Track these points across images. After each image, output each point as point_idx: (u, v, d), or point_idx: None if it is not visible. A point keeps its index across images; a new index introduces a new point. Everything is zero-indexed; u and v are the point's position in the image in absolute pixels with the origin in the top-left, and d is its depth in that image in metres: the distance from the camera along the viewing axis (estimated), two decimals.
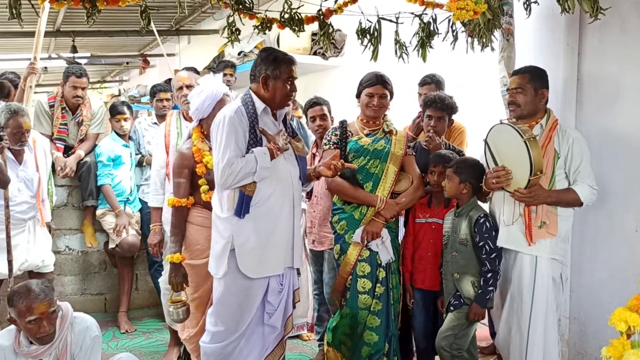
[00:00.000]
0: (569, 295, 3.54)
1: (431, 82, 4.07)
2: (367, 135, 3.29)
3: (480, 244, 2.99)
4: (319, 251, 3.79)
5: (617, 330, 1.72)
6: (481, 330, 3.63)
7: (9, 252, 3.60)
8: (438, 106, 3.51)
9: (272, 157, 2.77)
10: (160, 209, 3.67)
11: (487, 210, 3.15)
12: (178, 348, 3.82)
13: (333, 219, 3.32)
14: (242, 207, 2.74)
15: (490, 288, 2.98)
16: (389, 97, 3.26)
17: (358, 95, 3.33)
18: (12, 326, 2.66)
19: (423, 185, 3.29)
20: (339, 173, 2.96)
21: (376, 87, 3.22)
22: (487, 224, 3.00)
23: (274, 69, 2.81)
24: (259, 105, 2.83)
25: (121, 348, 4.11)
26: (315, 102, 3.82)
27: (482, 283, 2.98)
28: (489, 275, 2.97)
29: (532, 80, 2.96)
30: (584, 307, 3.49)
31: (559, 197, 2.90)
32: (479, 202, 3.17)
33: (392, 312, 3.21)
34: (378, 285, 3.18)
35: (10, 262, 3.62)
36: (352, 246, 3.20)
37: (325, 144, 3.33)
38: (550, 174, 2.92)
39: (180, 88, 3.73)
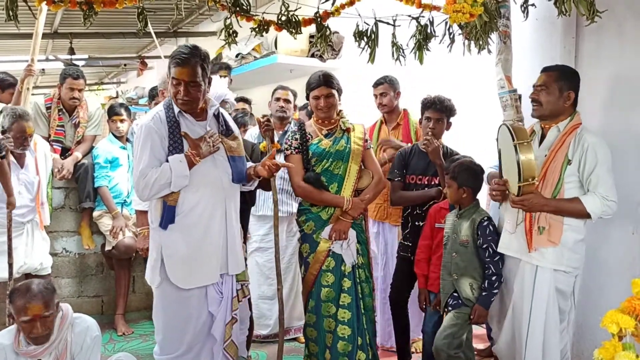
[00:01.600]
0: None
1: (384, 82, 4.13)
2: (325, 136, 3.31)
3: (484, 246, 2.99)
4: None
5: (609, 332, 1.72)
6: (478, 332, 3.63)
7: (10, 255, 3.59)
8: (437, 107, 3.52)
9: (192, 163, 2.68)
10: (146, 213, 3.61)
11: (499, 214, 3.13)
12: None
13: (300, 218, 3.35)
14: (164, 217, 2.70)
15: (495, 291, 2.98)
16: (336, 95, 3.29)
17: (307, 98, 3.39)
18: (14, 325, 2.67)
19: (383, 178, 3.37)
20: (274, 174, 2.95)
21: (320, 89, 3.25)
22: (491, 227, 3.01)
23: (168, 70, 2.77)
24: (175, 109, 2.76)
25: (118, 350, 4.10)
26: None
27: (486, 285, 2.98)
28: (494, 278, 2.97)
29: (559, 80, 2.83)
30: (582, 309, 3.49)
31: (559, 207, 2.75)
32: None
33: (362, 305, 3.24)
34: (344, 279, 3.21)
35: (10, 266, 3.62)
36: (322, 243, 3.22)
37: (287, 149, 3.32)
38: (556, 181, 2.78)
39: None
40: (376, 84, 4.18)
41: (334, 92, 3.28)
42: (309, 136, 3.31)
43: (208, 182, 2.76)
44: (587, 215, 2.73)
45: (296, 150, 3.28)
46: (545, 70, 2.93)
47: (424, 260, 3.35)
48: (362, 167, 3.33)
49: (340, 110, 3.38)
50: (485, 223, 3.00)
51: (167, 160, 2.68)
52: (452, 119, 3.67)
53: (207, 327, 2.83)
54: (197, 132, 2.78)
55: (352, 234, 3.24)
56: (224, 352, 2.86)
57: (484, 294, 2.98)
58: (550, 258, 2.80)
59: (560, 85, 2.84)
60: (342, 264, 3.22)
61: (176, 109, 2.73)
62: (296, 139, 3.30)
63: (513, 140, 2.64)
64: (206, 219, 2.76)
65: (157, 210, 2.74)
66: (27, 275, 3.94)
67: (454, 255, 3.07)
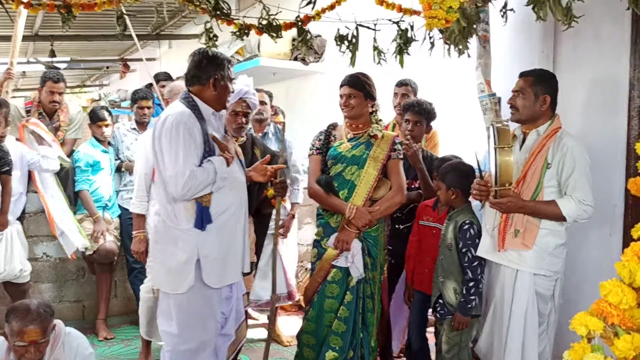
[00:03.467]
0: None
1: (409, 84, 4.12)
2: (349, 139, 3.21)
3: (463, 250, 2.96)
4: None
5: (578, 334, 1.76)
6: None
7: None
8: (415, 110, 3.53)
9: (228, 165, 2.72)
10: (143, 216, 3.58)
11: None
12: (151, 358, 3.82)
13: (316, 222, 3.34)
14: (202, 218, 2.67)
15: (472, 297, 2.94)
16: (361, 98, 3.14)
17: None
18: (2, 340, 2.60)
19: (403, 192, 3.17)
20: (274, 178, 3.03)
21: (343, 88, 3.19)
22: (472, 230, 2.96)
23: (224, 69, 2.77)
24: (206, 109, 2.75)
25: (100, 356, 4.06)
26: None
27: (464, 291, 2.96)
28: (471, 284, 2.94)
29: (535, 84, 2.86)
30: (560, 311, 3.52)
31: (535, 209, 2.75)
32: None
33: (360, 320, 3.14)
34: (347, 292, 3.13)
35: None
36: (329, 250, 3.15)
37: (310, 149, 3.31)
38: (535, 185, 2.80)
39: None
40: (400, 84, 4.12)
41: (358, 93, 3.14)
42: (333, 138, 3.27)
43: (235, 183, 2.81)
44: (562, 218, 2.75)
45: (317, 150, 3.26)
46: (522, 75, 2.96)
47: (412, 256, 3.35)
48: (382, 177, 3.19)
49: (375, 117, 3.24)
50: (466, 227, 2.97)
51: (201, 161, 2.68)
52: (432, 123, 3.70)
53: (220, 326, 2.87)
54: (218, 135, 2.83)
55: (356, 245, 3.10)
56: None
57: (462, 300, 2.97)
58: (530, 262, 2.82)
59: (536, 89, 2.86)
60: (348, 277, 3.13)
61: (208, 109, 2.74)
62: (319, 140, 3.29)
63: (495, 143, 2.66)
64: (235, 220, 2.81)
65: (188, 211, 2.68)
66: (5, 284, 3.89)
67: (441, 257, 3.07)
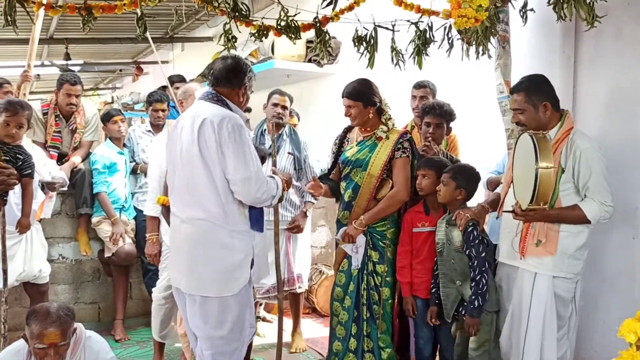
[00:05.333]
0: None
1: (427, 86, 4.08)
2: (358, 143, 3.35)
3: (467, 252, 2.97)
4: None
5: (627, 341, 1.70)
6: None
7: (3, 261, 3.54)
8: (437, 113, 3.52)
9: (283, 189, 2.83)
10: (157, 219, 3.60)
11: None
12: None
13: None
14: (259, 220, 2.76)
15: (474, 297, 2.93)
16: (359, 107, 3.24)
17: None
18: (21, 344, 2.59)
19: (404, 189, 3.22)
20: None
21: (343, 100, 3.29)
22: (475, 232, 2.97)
23: (252, 80, 2.82)
24: (240, 113, 2.78)
25: (117, 357, 4.06)
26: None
27: (472, 293, 2.95)
28: (476, 286, 2.93)
29: (529, 97, 2.83)
30: (581, 314, 3.48)
31: (560, 215, 2.73)
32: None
33: (365, 311, 3.24)
34: (350, 282, 3.29)
35: (5, 272, 3.56)
36: (340, 244, 3.37)
37: (330, 153, 3.51)
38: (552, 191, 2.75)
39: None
40: (418, 86, 4.09)
41: (356, 104, 3.23)
42: (346, 141, 3.41)
43: None
44: (587, 221, 2.73)
45: (333, 154, 3.52)
46: (513, 92, 2.92)
47: (406, 267, 3.28)
48: (385, 177, 3.27)
49: (385, 116, 3.30)
50: (470, 229, 2.97)
51: None
52: (451, 124, 3.67)
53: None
54: None
55: (361, 239, 3.26)
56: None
57: (470, 306, 2.95)
58: (550, 265, 2.80)
59: (533, 102, 2.83)
60: (352, 267, 3.29)
61: (242, 114, 2.80)
62: (335, 144, 3.49)
63: (536, 163, 2.51)
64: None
65: (242, 213, 2.71)
66: (25, 284, 3.89)
67: (452, 262, 3.05)
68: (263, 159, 3.18)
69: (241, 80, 2.78)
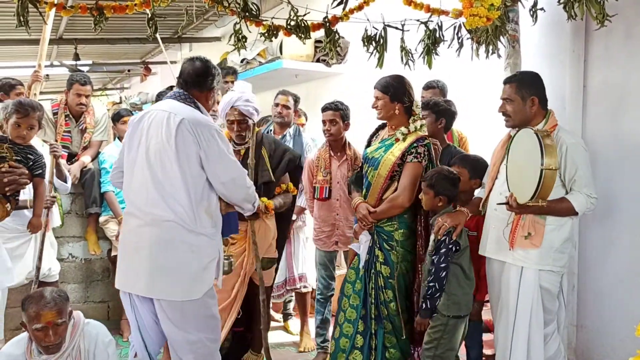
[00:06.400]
0: (576, 303, 3.53)
1: (436, 86, 4.07)
2: (381, 140, 3.36)
3: (433, 257, 2.96)
4: (334, 252, 4.02)
5: None
6: (487, 338, 3.61)
7: (39, 258, 3.60)
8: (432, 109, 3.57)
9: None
10: None
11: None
12: None
13: None
14: (233, 225, 2.86)
15: (423, 300, 2.97)
16: (383, 100, 3.23)
17: None
18: (24, 334, 2.65)
19: (406, 194, 3.16)
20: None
21: (374, 91, 3.29)
22: (446, 240, 2.92)
23: (219, 83, 2.84)
24: (210, 119, 2.77)
25: (124, 356, 4.08)
26: (326, 107, 3.97)
27: (422, 297, 2.99)
28: (430, 291, 2.93)
29: (519, 89, 2.89)
30: (591, 314, 3.48)
31: (550, 208, 2.73)
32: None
33: (373, 310, 3.23)
34: (357, 280, 3.31)
35: (38, 269, 3.62)
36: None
37: None
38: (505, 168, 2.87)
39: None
40: (427, 87, 4.11)
41: (383, 96, 3.23)
42: (375, 139, 3.44)
43: None
44: (574, 213, 2.81)
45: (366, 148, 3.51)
46: (505, 82, 2.98)
47: None
48: (396, 178, 3.25)
49: (413, 118, 3.28)
50: (443, 237, 2.93)
51: None
52: (459, 123, 3.68)
53: None
54: None
55: (364, 237, 3.27)
56: None
57: (421, 306, 2.99)
58: (536, 259, 2.85)
59: (522, 94, 2.89)
60: (360, 265, 3.32)
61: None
62: (367, 141, 3.50)
63: (541, 162, 2.53)
64: None
65: (210, 216, 2.69)
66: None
67: (426, 262, 3.07)
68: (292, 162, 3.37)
69: (210, 84, 2.77)
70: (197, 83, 2.75)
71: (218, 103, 3.52)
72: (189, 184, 2.58)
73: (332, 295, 4.12)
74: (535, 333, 2.87)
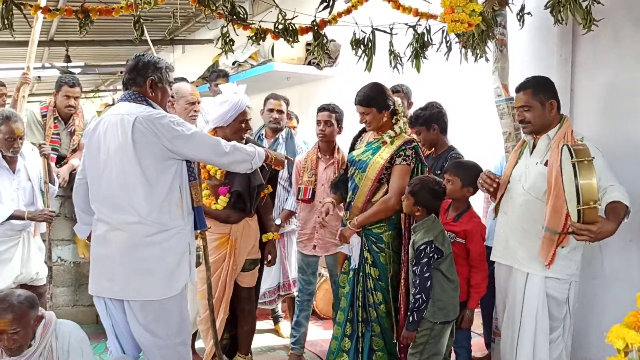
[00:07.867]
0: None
1: (401, 90, 4.12)
2: (367, 143, 3.36)
3: (414, 268, 2.95)
4: (313, 258, 3.96)
5: (615, 347, 1.70)
6: (476, 340, 3.62)
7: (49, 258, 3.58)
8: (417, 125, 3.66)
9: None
10: None
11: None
12: None
13: None
14: (201, 219, 2.78)
15: (409, 312, 2.94)
16: (371, 114, 3.23)
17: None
18: None
19: (396, 197, 3.16)
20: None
21: (356, 107, 3.28)
22: (426, 250, 2.90)
23: (161, 72, 2.74)
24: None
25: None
26: (323, 108, 3.98)
27: (408, 310, 2.96)
28: (416, 303, 2.91)
29: (536, 94, 2.84)
30: (578, 318, 3.48)
31: (618, 219, 2.54)
32: None
33: (360, 313, 3.24)
34: (347, 284, 3.33)
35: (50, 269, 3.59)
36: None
37: None
38: (563, 192, 2.65)
39: (193, 103, 3.64)
40: (393, 91, 4.09)
41: (370, 110, 3.22)
42: (359, 142, 3.44)
43: None
44: (627, 210, 2.63)
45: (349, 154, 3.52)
46: (519, 89, 2.91)
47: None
48: (383, 181, 3.25)
49: (398, 120, 3.29)
50: (423, 247, 2.91)
51: None
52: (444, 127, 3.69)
53: None
54: None
55: (355, 240, 3.26)
56: None
57: (409, 318, 2.94)
58: (541, 266, 2.81)
59: (540, 98, 2.84)
60: (350, 267, 3.33)
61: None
62: (350, 144, 3.50)
63: (572, 157, 2.35)
64: None
65: (179, 209, 2.66)
66: (23, 286, 3.89)
67: (410, 271, 3.06)
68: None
69: (144, 75, 2.70)
70: (134, 80, 2.72)
71: (173, 97, 3.49)
72: (153, 181, 2.57)
73: (309, 300, 4.10)
74: (541, 339, 2.85)
